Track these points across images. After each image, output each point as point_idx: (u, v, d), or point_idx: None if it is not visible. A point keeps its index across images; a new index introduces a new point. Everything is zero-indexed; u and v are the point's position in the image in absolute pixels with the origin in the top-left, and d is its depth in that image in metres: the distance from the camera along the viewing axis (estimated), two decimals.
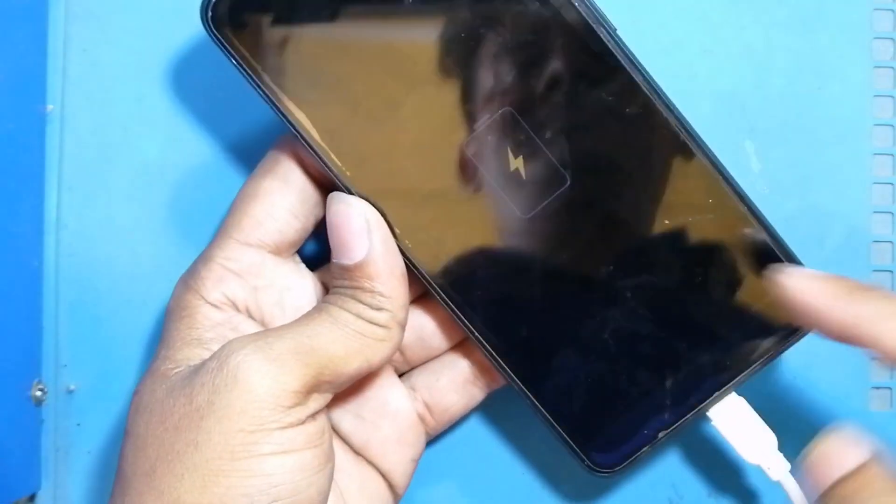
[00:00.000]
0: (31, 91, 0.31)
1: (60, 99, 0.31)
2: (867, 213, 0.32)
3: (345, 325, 0.26)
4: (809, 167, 0.31)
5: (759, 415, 0.28)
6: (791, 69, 0.31)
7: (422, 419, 0.29)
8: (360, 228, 0.26)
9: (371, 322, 0.26)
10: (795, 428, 0.31)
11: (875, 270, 0.32)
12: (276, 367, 0.24)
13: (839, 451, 0.24)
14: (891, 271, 0.32)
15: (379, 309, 0.26)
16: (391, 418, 0.28)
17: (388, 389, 0.29)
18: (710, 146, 0.27)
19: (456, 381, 0.29)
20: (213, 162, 0.31)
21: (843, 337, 0.25)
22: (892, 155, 0.32)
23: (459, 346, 0.30)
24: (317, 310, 0.26)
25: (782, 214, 0.31)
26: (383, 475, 0.28)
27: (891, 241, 0.32)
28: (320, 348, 0.25)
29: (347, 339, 0.25)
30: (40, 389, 0.31)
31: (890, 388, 0.32)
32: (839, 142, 0.31)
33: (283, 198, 0.27)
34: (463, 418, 0.30)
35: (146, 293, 0.31)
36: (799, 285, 0.25)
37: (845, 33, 0.31)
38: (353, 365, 0.26)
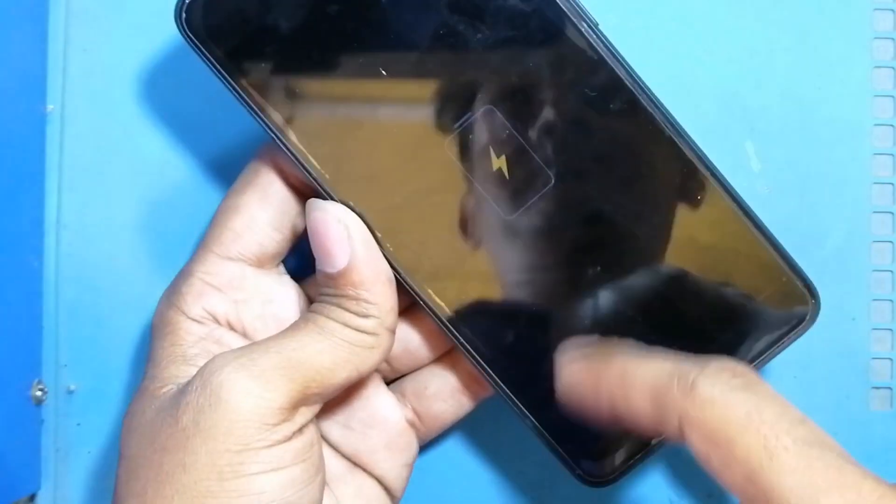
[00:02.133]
0: (31, 91, 0.31)
1: (60, 99, 0.31)
2: (867, 213, 0.32)
3: (331, 334, 0.25)
4: (809, 167, 0.31)
5: None
6: (791, 69, 0.31)
7: (412, 425, 0.29)
8: (340, 235, 0.26)
9: (358, 330, 0.25)
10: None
11: (875, 270, 0.32)
12: (261, 385, 0.24)
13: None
14: (891, 271, 0.32)
15: (366, 316, 0.25)
16: (379, 426, 0.28)
17: (375, 398, 0.28)
18: (707, 148, 0.27)
19: (444, 391, 0.29)
20: (213, 162, 0.31)
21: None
22: (892, 155, 0.32)
23: (448, 354, 0.29)
24: (303, 320, 0.26)
25: (782, 214, 0.31)
26: (378, 480, 0.28)
27: (891, 241, 0.32)
28: (307, 361, 0.25)
29: (335, 349, 0.25)
30: (40, 389, 0.31)
31: (890, 388, 0.32)
32: (839, 142, 0.31)
33: (263, 210, 0.27)
34: (457, 424, 0.30)
35: (146, 293, 0.31)
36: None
37: (845, 33, 0.31)
38: (341, 375, 0.25)
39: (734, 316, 0.27)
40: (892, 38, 0.32)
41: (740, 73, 0.31)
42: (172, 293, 0.27)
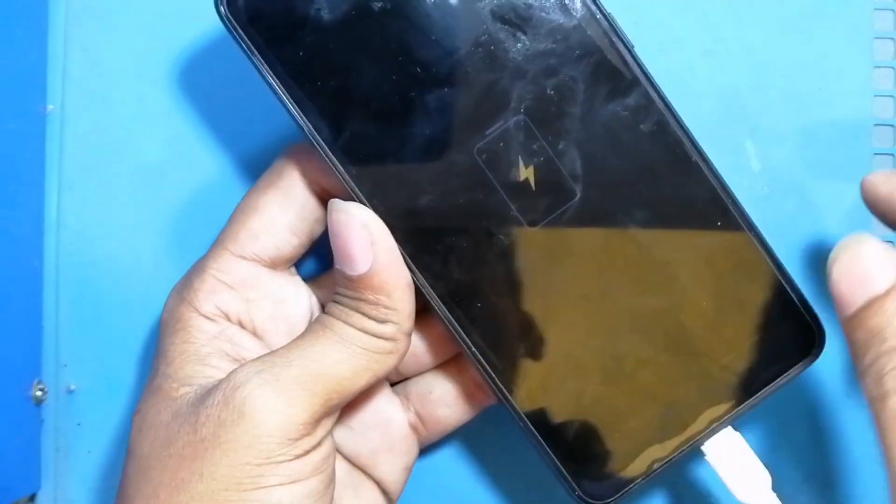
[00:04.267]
0: (31, 91, 0.31)
1: (60, 99, 0.31)
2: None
3: (351, 342, 0.25)
4: (809, 167, 0.31)
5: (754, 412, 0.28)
6: (791, 69, 0.31)
7: (414, 429, 0.29)
8: (363, 240, 0.25)
9: (377, 336, 0.25)
10: (790, 430, 0.31)
11: None
12: (284, 401, 0.24)
13: (867, 268, 0.24)
14: None
15: (384, 321, 0.25)
16: (381, 429, 0.28)
17: (378, 400, 0.28)
18: (707, 148, 0.27)
19: (448, 397, 0.29)
20: (213, 162, 0.31)
21: None
22: (892, 155, 0.32)
23: (454, 360, 0.29)
24: (320, 325, 0.26)
25: (782, 214, 0.31)
26: (377, 482, 0.28)
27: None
28: (327, 372, 0.25)
29: (354, 358, 0.25)
30: (40, 389, 0.31)
31: None
32: (839, 142, 0.31)
33: (283, 213, 0.27)
34: (459, 429, 0.30)
35: (146, 293, 0.31)
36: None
37: (845, 33, 0.31)
38: (360, 382, 0.25)
39: (742, 343, 0.27)
40: (892, 38, 0.32)
41: (740, 73, 0.31)
42: (184, 288, 0.27)
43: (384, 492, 0.28)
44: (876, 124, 0.32)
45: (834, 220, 0.31)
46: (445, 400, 0.29)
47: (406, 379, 0.29)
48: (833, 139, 0.31)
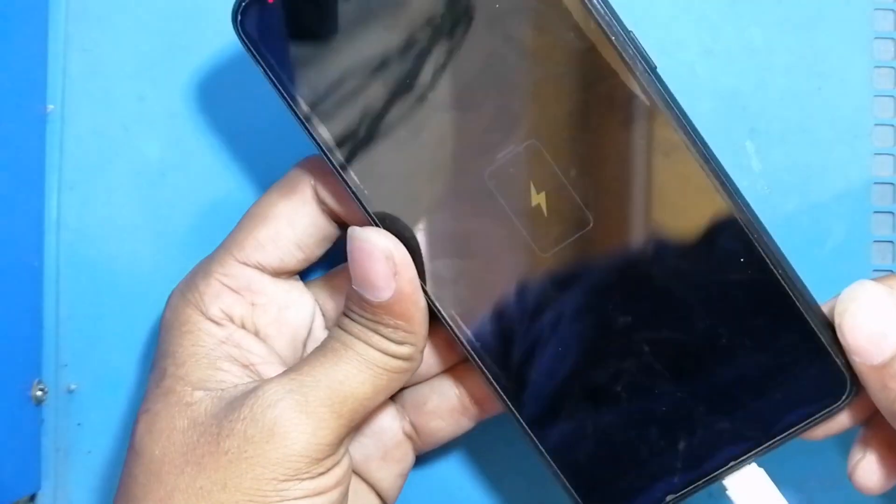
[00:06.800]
0: (31, 91, 0.31)
1: (60, 99, 0.31)
2: (867, 213, 0.32)
3: (373, 363, 0.25)
4: (809, 167, 0.31)
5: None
6: (791, 69, 0.31)
7: (409, 437, 0.29)
8: (386, 271, 0.25)
9: (395, 357, 0.26)
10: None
11: (875, 270, 0.32)
12: (314, 422, 0.24)
13: (886, 319, 0.24)
14: (891, 271, 0.32)
15: (402, 343, 0.26)
16: (375, 436, 0.28)
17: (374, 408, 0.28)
18: (736, 186, 0.26)
19: (442, 409, 0.29)
20: (213, 162, 0.31)
21: None
22: (892, 155, 0.32)
23: (451, 372, 0.29)
24: (342, 344, 0.26)
25: (782, 214, 0.31)
26: (372, 487, 0.28)
27: (891, 241, 0.32)
28: (353, 394, 0.25)
29: (376, 378, 0.25)
30: (40, 389, 0.31)
31: None
32: (839, 142, 0.31)
33: (291, 228, 0.27)
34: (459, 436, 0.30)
35: (146, 293, 0.31)
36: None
37: (845, 33, 0.31)
38: (380, 400, 0.26)
39: (768, 383, 0.26)
40: (892, 38, 0.32)
41: (740, 73, 0.31)
42: (188, 290, 0.27)
43: (379, 496, 0.28)
44: (876, 124, 0.32)
45: (834, 220, 0.31)
46: (439, 412, 0.29)
47: (403, 388, 0.29)
48: (833, 139, 0.31)
